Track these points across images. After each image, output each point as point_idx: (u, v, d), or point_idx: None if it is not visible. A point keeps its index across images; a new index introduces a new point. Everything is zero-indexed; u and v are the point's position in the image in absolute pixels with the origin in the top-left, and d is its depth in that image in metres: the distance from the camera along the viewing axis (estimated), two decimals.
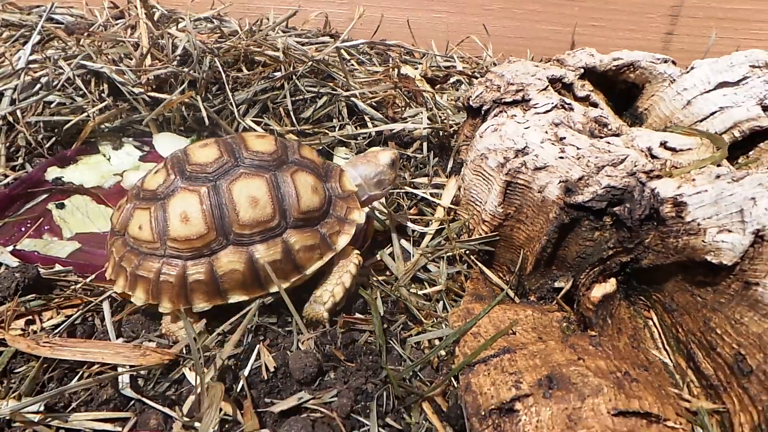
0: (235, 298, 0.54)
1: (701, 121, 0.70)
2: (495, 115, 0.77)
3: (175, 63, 0.87)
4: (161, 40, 0.92)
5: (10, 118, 0.81)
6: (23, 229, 0.69)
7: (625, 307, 0.55)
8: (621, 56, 0.80)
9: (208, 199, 0.54)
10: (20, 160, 0.79)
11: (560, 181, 0.59)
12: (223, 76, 0.85)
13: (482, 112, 0.81)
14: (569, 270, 0.60)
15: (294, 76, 0.86)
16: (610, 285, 0.53)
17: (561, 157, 0.61)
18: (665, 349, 0.52)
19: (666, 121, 0.75)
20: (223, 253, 0.54)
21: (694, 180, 0.51)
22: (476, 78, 1.08)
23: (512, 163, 0.64)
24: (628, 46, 1.13)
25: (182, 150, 0.59)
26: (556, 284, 0.61)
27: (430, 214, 0.73)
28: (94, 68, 0.85)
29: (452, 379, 0.49)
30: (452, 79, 1.08)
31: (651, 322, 0.55)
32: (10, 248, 0.62)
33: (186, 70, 0.86)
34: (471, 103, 0.84)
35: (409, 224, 0.69)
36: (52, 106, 0.83)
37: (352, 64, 1.02)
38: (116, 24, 1.10)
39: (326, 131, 0.84)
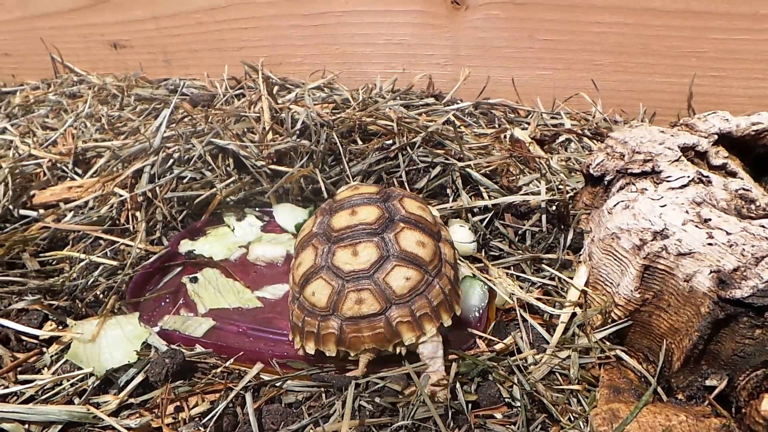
0: None
1: None
2: (621, 188, 0.74)
3: (294, 137, 0.91)
4: (281, 114, 0.97)
5: (149, 194, 0.87)
6: (162, 304, 0.74)
7: None
8: (761, 120, 0.75)
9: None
10: (158, 234, 0.85)
11: (711, 272, 0.55)
12: (341, 148, 0.88)
13: (605, 181, 0.78)
14: (723, 368, 0.55)
15: (408, 147, 0.87)
16: None
17: (709, 244, 0.57)
18: None
19: None
20: None
21: None
22: (587, 136, 1.05)
23: (651, 246, 0.61)
24: (753, 96, 1.06)
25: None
26: (708, 382, 0.56)
27: (556, 294, 0.70)
28: (222, 144, 0.91)
29: None
30: (561, 138, 1.05)
31: None
32: (157, 329, 0.66)
33: (305, 143, 0.90)
34: (592, 171, 0.81)
35: (542, 306, 0.66)
36: (185, 181, 0.90)
37: (461, 128, 1.02)
38: (235, 94, 1.18)
39: (440, 202, 0.84)
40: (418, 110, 1.06)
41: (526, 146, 0.94)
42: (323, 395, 0.58)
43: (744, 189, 0.66)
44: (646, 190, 0.69)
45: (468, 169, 0.84)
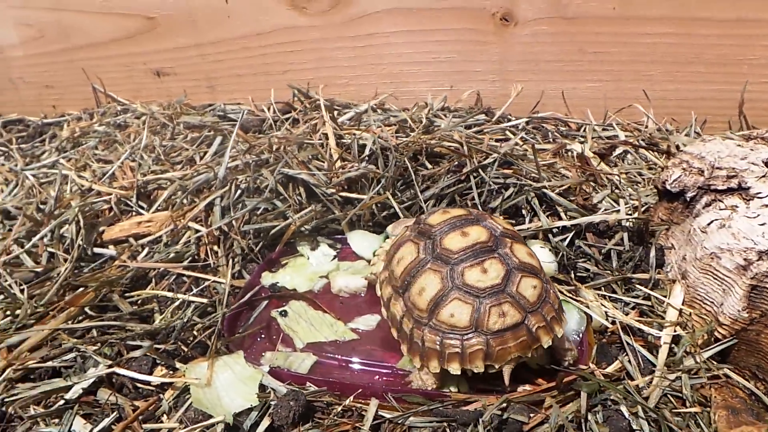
0: None
1: None
2: (708, 204, 0.74)
3: (363, 163, 0.92)
4: (344, 139, 0.98)
5: (225, 227, 0.88)
6: (258, 339, 0.74)
7: None
8: None
9: None
10: (237, 267, 0.86)
11: None
12: (412, 174, 0.88)
13: (685, 198, 0.78)
14: None
15: (480, 169, 0.88)
16: None
17: None
18: None
19: None
20: None
21: None
22: (644, 147, 1.06)
23: (758, 266, 0.61)
24: None
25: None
26: None
27: (651, 314, 0.71)
28: (292, 173, 0.91)
29: None
30: (618, 150, 1.06)
31: None
32: (266, 368, 0.66)
33: (375, 169, 0.90)
34: (669, 187, 0.82)
35: (644, 328, 0.67)
36: (258, 213, 0.90)
37: (523, 147, 1.02)
38: (285, 119, 1.19)
39: (516, 223, 0.85)
40: (475, 128, 1.07)
41: (592, 163, 0.95)
42: (447, 430, 0.58)
43: None
44: (737, 207, 0.70)
45: (544, 190, 0.85)
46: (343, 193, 0.91)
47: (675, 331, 0.67)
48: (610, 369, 0.65)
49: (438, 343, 0.61)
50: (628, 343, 0.66)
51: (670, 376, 0.63)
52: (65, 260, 0.87)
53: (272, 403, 0.60)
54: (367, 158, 0.92)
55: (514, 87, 1.14)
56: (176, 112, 1.26)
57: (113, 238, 0.95)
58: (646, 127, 1.12)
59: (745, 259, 0.63)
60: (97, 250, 0.91)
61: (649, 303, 0.72)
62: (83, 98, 1.39)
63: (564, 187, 0.86)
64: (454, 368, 0.60)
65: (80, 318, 0.75)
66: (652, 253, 0.79)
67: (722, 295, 0.65)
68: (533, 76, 1.16)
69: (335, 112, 1.19)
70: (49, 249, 0.89)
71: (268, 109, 1.23)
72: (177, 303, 0.76)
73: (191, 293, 0.79)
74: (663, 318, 0.69)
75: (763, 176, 0.72)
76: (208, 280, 0.80)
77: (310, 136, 0.98)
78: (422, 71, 1.21)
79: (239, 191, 0.94)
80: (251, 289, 0.81)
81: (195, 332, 0.73)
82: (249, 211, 0.88)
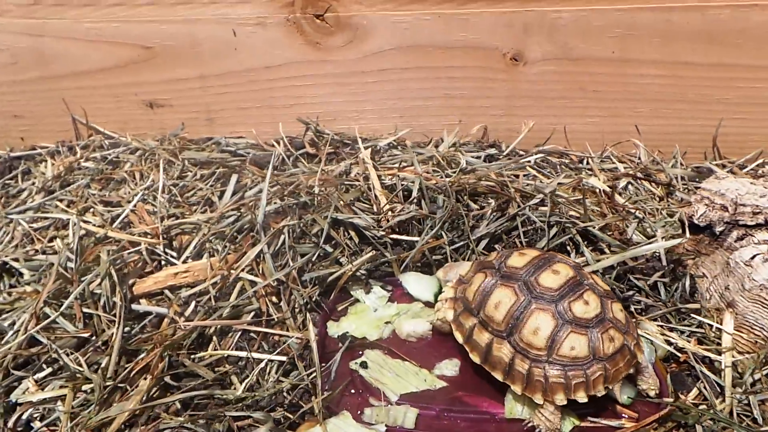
0: None
1: None
2: (740, 238, 0.84)
3: (413, 205, 0.93)
4: (383, 180, 0.98)
5: (283, 278, 0.85)
6: (347, 394, 0.73)
7: None
8: None
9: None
10: (300, 319, 0.83)
11: None
12: (464, 215, 0.91)
13: (714, 231, 0.88)
14: None
15: (527, 208, 0.92)
16: None
17: None
18: None
19: None
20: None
21: None
22: (641, 179, 1.16)
23: None
24: (767, 133, 1.23)
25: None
26: None
27: (707, 342, 0.79)
28: (342, 218, 0.90)
29: None
30: (622, 183, 1.15)
31: None
32: (382, 428, 0.66)
33: (424, 211, 0.92)
34: (696, 221, 0.91)
35: (711, 355, 0.74)
36: (313, 258, 0.88)
37: (540, 179, 1.08)
38: (299, 154, 1.17)
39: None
40: (494, 163, 1.12)
41: (617, 198, 1.03)
42: None
43: None
44: None
45: (589, 228, 0.91)
46: (393, 235, 0.92)
47: (733, 356, 0.75)
48: (690, 396, 0.71)
49: (563, 376, 0.65)
50: (701, 371, 0.73)
51: (739, 398, 0.71)
52: (107, 322, 0.80)
53: None
54: (415, 200, 0.93)
55: (525, 123, 1.20)
56: (177, 147, 1.20)
57: (146, 291, 0.88)
58: (639, 159, 1.23)
59: None
60: (137, 306, 0.84)
61: (702, 331, 0.80)
62: (58, 130, 1.28)
63: (603, 224, 0.93)
64: (581, 397, 0.65)
65: (154, 389, 0.69)
66: (687, 282, 0.88)
67: None
68: (537, 111, 1.23)
69: (347, 147, 1.20)
70: (85, 309, 0.81)
71: (280, 144, 1.20)
72: (261, 364, 0.73)
73: (266, 351, 0.76)
74: (720, 344, 0.77)
75: None
76: (284, 335, 0.78)
77: (359, 180, 0.97)
78: (433, 105, 1.24)
79: (282, 236, 0.92)
80: (322, 342, 0.79)
81: (285, 394, 0.70)
82: (297, 257, 0.86)
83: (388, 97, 1.23)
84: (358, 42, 1.17)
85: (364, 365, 0.77)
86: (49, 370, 0.72)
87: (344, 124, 1.26)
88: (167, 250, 0.94)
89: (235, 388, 0.71)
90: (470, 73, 1.20)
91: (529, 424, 0.67)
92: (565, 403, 0.66)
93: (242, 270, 0.86)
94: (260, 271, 0.87)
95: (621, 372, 0.67)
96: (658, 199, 1.12)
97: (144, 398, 0.66)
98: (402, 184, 0.95)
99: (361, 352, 0.79)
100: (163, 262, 0.93)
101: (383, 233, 0.91)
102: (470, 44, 1.16)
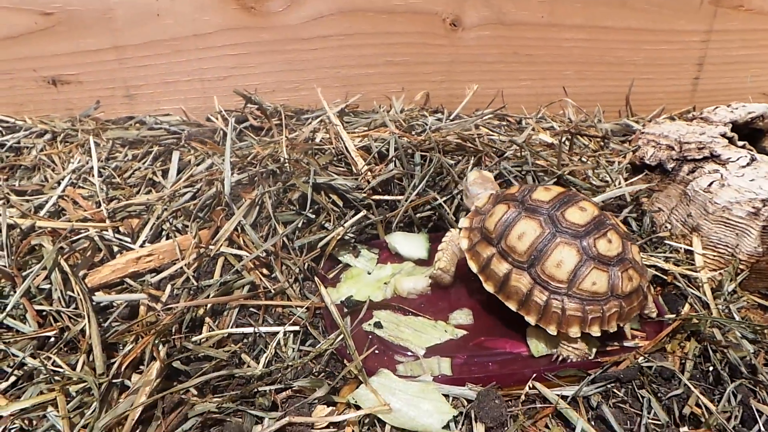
0: None
1: None
2: (691, 171, 0.92)
3: (391, 165, 0.90)
4: (359, 143, 0.93)
5: (271, 248, 0.77)
6: (374, 354, 0.68)
7: None
8: (752, 109, 1.01)
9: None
10: (297, 288, 0.76)
11: None
12: (450, 169, 0.89)
13: (665, 169, 0.96)
14: None
15: (500, 162, 0.94)
16: None
17: None
18: None
19: None
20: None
21: None
22: (578, 135, 1.24)
23: (766, 211, 0.80)
24: (669, 91, 1.39)
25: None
26: None
27: (682, 263, 0.85)
28: (323, 182, 0.84)
29: None
30: (563, 139, 1.22)
31: None
32: (429, 377, 0.62)
33: (404, 170, 0.89)
34: (648, 161, 0.99)
35: (693, 274, 0.81)
36: (299, 226, 0.81)
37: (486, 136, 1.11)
38: (243, 128, 1.08)
39: None
40: (455, 122, 1.12)
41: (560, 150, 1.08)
42: (614, 390, 0.63)
43: None
44: (718, 171, 0.89)
45: (567, 175, 0.94)
46: (376, 196, 0.88)
47: (708, 272, 0.82)
48: (684, 311, 0.77)
49: (581, 310, 0.66)
50: (688, 289, 0.79)
51: (720, 307, 0.78)
52: (69, 317, 0.66)
53: (463, 410, 0.56)
54: (394, 159, 0.90)
55: (469, 87, 1.22)
56: (95, 128, 1.04)
57: (103, 282, 0.75)
58: (570, 119, 1.31)
59: (753, 208, 0.81)
60: (100, 297, 0.71)
61: (674, 256, 0.87)
62: None
63: (570, 170, 0.97)
64: (595, 331, 0.66)
65: (157, 381, 0.59)
66: (647, 220, 0.95)
67: (736, 238, 0.83)
68: (476, 76, 1.26)
69: (292, 119, 1.13)
70: (38, 307, 0.67)
71: (217, 118, 1.09)
72: (277, 337, 0.65)
73: (271, 325, 0.68)
74: (693, 264, 0.84)
75: (726, 146, 0.92)
76: (289, 305, 0.70)
77: (311, 142, 0.91)
78: (375, 73, 1.21)
79: (257, 207, 0.83)
80: (327, 309, 0.73)
81: (311, 363, 0.64)
82: (295, 227, 0.79)
83: (330, 65, 1.18)
84: (297, 6, 1.10)
85: (379, 325, 0.72)
86: (13, 378, 0.57)
87: (284, 96, 1.18)
88: (117, 236, 0.81)
89: (249, 366, 0.62)
90: (411, 39, 1.19)
91: (560, 357, 0.68)
92: (579, 335, 0.66)
93: (221, 245, 0.76)
94: (242, 244, 0.78)
95: (634, 311, 0.69)
96: (592, 151, 1.20)
97: (154, 388, 0.55)
98: (377, 145, 0.91)
99: (370, 314, 0.74)
100: (116, 249, 0.80)
101: (365, 195, 0.86)
102: (411, 9, 1.16)
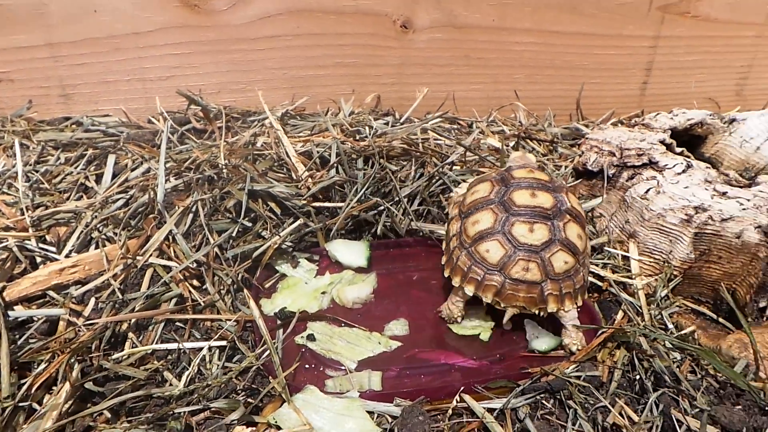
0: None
1: None
2: (631, 177, 0.94)
3: (333, 171, 0.88)
4: (300, 147, 0.92)
5: (203, 258, 0.75)
6: (302, 371, 0.66)
7: None
8: (691, 116, 1.03)
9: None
10: (229, 300, 0.74)
11: (756, 227, 0.77)
12: (392, 176, 0.88)
13: (606, 175, 0.97)
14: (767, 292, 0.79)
15: (444, 167, 0.93)
16: None
17: (744, 209, 0.79)
18: None
19: (743, 164, 0.99)
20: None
21: None
22: (528, 138, 1.24)
23: (698, 218, 0.81)
24: (618, 95, 1.40)
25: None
26: (761, 305, 0.79)
27: (619, 269, 0.86)
28: (260, 189, 0.82)
29: None
30: (511, 143, 1.22)
31: None
32: (355, 394, 0.61)
33: (345, 176, 0.87)
34: (590, 167, 1.00)
35: (629, 281, 0.82)
36: (233, 234, 0.79)
37: (439, 141, 1.10)
38: (185, 130, 1.05)
39: None
40: (400, 126, 1.11)
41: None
42: (543, 401, 0.63)
43: (721, 171, 0.91)
44: (655, 177, 0.90)
45: None
46: (316, 203, 0.86)
47: (642, 279, 0.84)
48: (618, 318, 0.77)
49: (467, 266, 0.71)
50: (623, 297, 0.80)
51: (653, 313, 0.79)
52: None
53: (387, 427, 0.56)
54: (335, 165, 0.88)
55: (419, 90, 1.21)
56: (26, 129, 0.99)
57: (23, 295, 0.72)
58: (520, 122, 1.32)
59: (686, 215, 0.82)
60: (15, 313, 0.68)
61: (612, 262, 0.87)
62: None
63: None
64: (469, 290, 0.70)
65: (69, 403, 0.56)
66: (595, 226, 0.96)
67: (670, 244, 0.84)
68: (427, 79, 1.25)
69: (238, 121, 1.10)
70: None
71: (160, 120, 1.06)
72: (201, 353, 0.63)
73: (198, 339, 0.66)
74: (629, 271, 0.85)
75: (664, 152, 0.94)
76: (218, 319, 0.68)
77: (251, 147, 0.89)
78: (325, 75, 1.19)
79: (191, 215, 0.81)
80: (261, 320, 0.71)
81: (235, 380, 0.62)
82: (228, 236, 0.77)
83: (278, 66, 1.15)
84: (243, 5, 1.07)
85: (311, 338, 0.71)
86: None
87: (229, 97, 1.15)
88: (42, 245, 0.78)
89: (171, 384, 0.60)
90: (362, 41, 1.17)
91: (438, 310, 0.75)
92: (458, 285, 0.71)
93: (150, 255, 0.74)
94: (173, 255, 0.76)
95: (516, 299, 0.69)
96: (541, 155, 1.21)
97: (62, 412, 0.53)
98: (318, 150, 0.89)
99: (304, 326, 0.73)
100: (38, 259, 0.77)
101: (305, 202, 0.85)
102: (361, 10, 1.14)
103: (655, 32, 1.33)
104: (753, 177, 0.93)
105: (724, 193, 0.83)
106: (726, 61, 1.43)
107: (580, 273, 0.72)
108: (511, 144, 1.21)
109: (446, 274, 0.74)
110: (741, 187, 0.86)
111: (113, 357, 0.63)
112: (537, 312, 0.70)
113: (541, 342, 0.72)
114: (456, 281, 0.71)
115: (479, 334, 0.74)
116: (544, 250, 0.69)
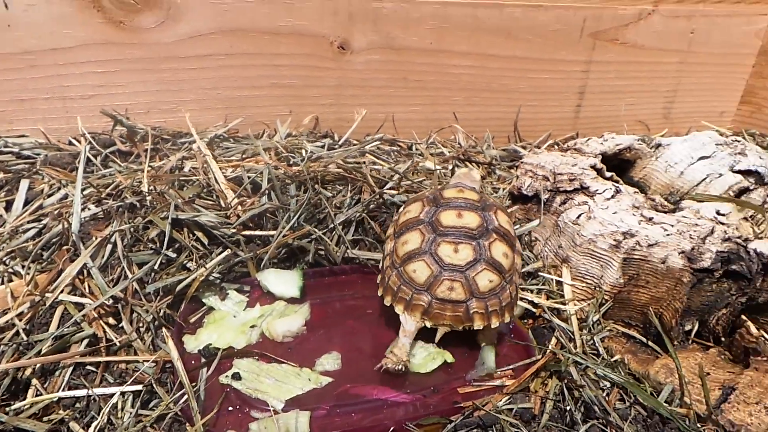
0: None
1: (697, 185, 0.99)
2: (563, 202, 0.95)
3: (264, 197, 0.85)
4: (230, 173, 0.88)
5: (120, 293, 0.70)
6: (224, 413, 0.63)
7: None
8: (620, 141, 1.06)
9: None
10: (149, 338, 0.70)
11: (679, 253, 0.79)
12: (326, 202, 0.86)
13: (540, 199, 0.98)
14: (693, 315, 0.81)
15: (380, 193, 0.92)
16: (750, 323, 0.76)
17: (668, 234, 0.82)
18: None
19: (669, 188, 1.02)
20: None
21: None
22: (467, 161, 1.25)
23: (626, 243, 0.83)
24: (554, 118, 1.44)
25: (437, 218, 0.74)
26: (686, 328, 0.81)
27: (553, 295, 0.87)
28: (185, 217, 0.78)
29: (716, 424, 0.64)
30: (450, 166, 1.23)
31: (764, 339, 0.79)
32: None
33: (277, 203, 0.85)
34: (525, 192, 1.01)
35: (562, 306, 0.82)
36: (155, 267, 0.75)
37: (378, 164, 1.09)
38: (109, 152, 0.99)
39: None
40: (336, 150, 1.09)
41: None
42: None
43: (647, 196, 0.94)
44: (586, 202, 0.92)
45: None
46: (246, 232, 0.83)
47: (575, 305, 0.85)
48: (551, 345, 0.78)
49: (397, 286, 0.72)
50: (556, 323, 0.80)
51: (585, 339, 0.80)
52: None
53: None
54: (267, 192, 0.85)
55: (357, 111, 1.20)
56: None
57: None
58: (459, 144, 1.33)
59: (615, 240, 0.84)
60: None
61: (547, 287, 0.88)
62: None
63: None
64: (399, 309, 0.71)
65: None
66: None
67: (601, 269, 0.85)
68: (366, 101, 1.25)
69: (167, 143, 1.06)
70: None
71: (82, 142, 1.00)
72: (112, 400, 0.58)
73: (112, 384, 0.61)
74: (563, 296, 0.86)
75: (594, 178, 0.96)
76: (134, 360, 0.64)
77: (179, 172, 0.85)
78: (261, 95, 1.16)
79: (110, 246, 0.76)
80: (182, 360, 0.67)
81: (150, 429, 0.58)
82: (149, 269, 0.73)
83: (211, 86, 1.11)
84: (172, 23, 1.03)
85: (237, 377, 0.67)
86: None
87: (160, 117, 1.11)
88: None
89: None
90: (298, 61, 1.15)
91: (380, 365, 0.70)
92: (389, 304, 0.72)
93: (61, 292, 0.69)
94: (87, 290, 0.70)
95: (443, 318, 0.70)
96: (480, 177, 1.22)
97: None
98: (249, 176, 0.86)
99: (230, 364, 0.69)
100: None
101: (234, 230, 0.81)
102: (297, 31, 1.12)
103: (587, 57, 1.38)
104: (678, 201, 0.96)
105: (650, 219, 0.85)
106: (653, 86, 1.49)
107: (507, 290, 0.73)
108: (450, 166, 1.21)
109: (379, 293, 0.75)
110: (666, 212, 0.89)
111: (13, 407, 0.57)
112: (463, 329, 0.71)
113: (484, 368, 0.72)
114: (387, 300, 0.73)
115: (444, 363, 0.73)
116: (469, 270, 0.70)
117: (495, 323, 0.71)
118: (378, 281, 0.77)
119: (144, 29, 1.02)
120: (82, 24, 0.98)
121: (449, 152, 1.28)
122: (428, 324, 0.70)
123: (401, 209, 0.80)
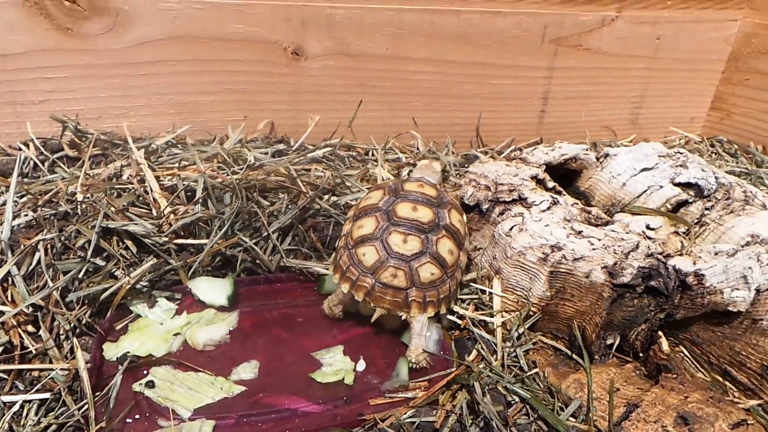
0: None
1: (638, 197, 0.99)
2: (501, 213, 0.96)
3: (198, 206, 0.86)
4: (168, 181, 0.89)
5: (41, 301, 0.72)
6: (130, 421, 0.64)
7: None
8: (566, 151, 1.06)
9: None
10: (68, 346, 0.71)
11: (602, 268, 0.80)
12: (260, 212, 0.87)
13: (482, 209, 0.99)
14: (615, 329, 0.82)
15: (316, 199, 0.93)
16: (664, 339, 0.76)
17: (593, 248, 0.82)
18: (701, 371, 0.77)
19: (611, 199, 1.03)
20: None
21: (700, 257, 0.76)
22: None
23: (553, 257, 0.83)
24: (517, 123, 1.44)
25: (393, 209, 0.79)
26: (608, 342, 0.82)
27: (484, 306, 0.88)
28: (115, 226, 0.80)
29: None
30: (404, 172, 1.24)
31: (681, 355, 0.79)
32: None
33: (213, 211, 0.86)
34: (466, 201, 1.01)
35: (489, 318, 0.83)
36: (80, 275, 0.76)
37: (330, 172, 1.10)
38: (56, 158, 1.01)
39: None
40: (283, 159, 1.10)
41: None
42: None
43: (583, 207, 0.94)
44: (522, 214, 0.92)
45: None
46: (178, 240, 0.84)
47: (503, 316, 0.85)
48: (470, 357, 0.79)
49: (346, 266, 0.77)
50: (478, 333, 0.81)
51: (508, 351, 0.81)
52: None
53: None
54: (200, 200, 0.87)
55: (311, 117, 1.21)
56: None
57: None
58: (418, 149, 1.33)
59: (543, 253, 0.84)
60: None
61: (479, 297, 0.89)
62: None
63: None
64: (345, 288, 0.76)
65: None
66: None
67: (530, 282, 0.86)
68: (321, 106, 1.25)
69: (118, 148, 1.07)
70: None
71: (29, 147, 1.02)
72: (14, 407, 0.60)
73: (22, 391, 0.63)
74: (492, 307, 0.87)
75: (533, 189, 0.96)
76: (47, 368, 0.65)
77: (116, 180, 0.86)
78: (216, 101, 1.17)
79: (38, 254, 0.78)
80: (95, 369, 0.69)
81: None
82: (71, 277, 0.74)
83: (163, 92, 1.13)
84: (121, 29, 1.04)
85: (150, 385, 0.69)
86: None
87: (112, 123, 1.12)
88: None
89: None
90: (251, 67, 1.16)
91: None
92: (337, 281, 0.77)
93: None
94: (8, 299, 0.72)
95: (384, 302, 0.75)
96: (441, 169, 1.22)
97: None
98: (184, 184, 0.87)
99: (146, 372, 0.71)
100: None
101: (166, 239, 0.83)
102: (249, 37, 1.13)
103: (549, 63, 1.38)
104: (615, 213, 0.97)
105: (579, 232, 0.86)
106: (619, 92, 1.49)
107: (446, 284, 0.79)
108: (405, 172, 1.22)
109: (329, 271, 0.81)
110: (598, 225, 0.89)
111: None
112: (400, 315, 0.76)
113: (398, 380, 0.73)
114: (336, 278, 0.78)
115: (343, 379, 0.74)
116: (414, 260, 0.76)
117: (431, 312, 0.77)
118: (332, 259, 0.82)
119: (92, 36, 1.03)
120: (30, 31, 1.00)
121: (406, 158, 1.28)
122: (370, 304, 0.75)
123: (365, 194, 0.86)
